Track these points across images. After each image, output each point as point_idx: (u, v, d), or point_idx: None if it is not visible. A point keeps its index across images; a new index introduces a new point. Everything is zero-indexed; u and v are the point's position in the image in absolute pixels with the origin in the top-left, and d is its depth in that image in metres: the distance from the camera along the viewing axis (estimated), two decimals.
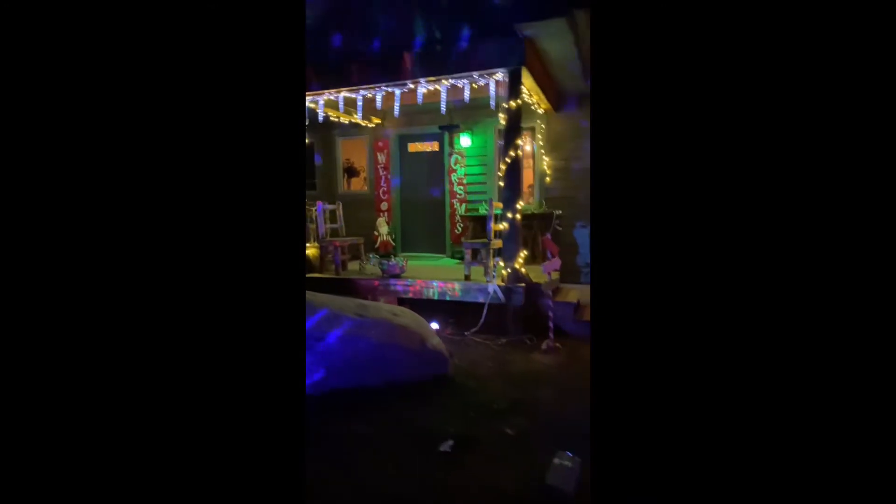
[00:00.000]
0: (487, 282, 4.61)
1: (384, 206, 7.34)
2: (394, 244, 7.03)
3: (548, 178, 6.44)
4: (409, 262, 5.50)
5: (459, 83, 4.66)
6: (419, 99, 4.90)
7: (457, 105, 5.75)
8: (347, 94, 5.10)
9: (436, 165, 7.08)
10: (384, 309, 3.49)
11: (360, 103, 5.11)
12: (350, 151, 7.67)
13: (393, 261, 4.91)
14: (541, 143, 6.39)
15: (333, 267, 5.32)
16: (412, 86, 4.79)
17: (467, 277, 4.80)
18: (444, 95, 4.79)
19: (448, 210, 6.96)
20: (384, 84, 4.81)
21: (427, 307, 4.64)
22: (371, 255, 5.13)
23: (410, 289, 4.85)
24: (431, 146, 7.13)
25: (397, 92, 4.88)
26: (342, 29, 4.86)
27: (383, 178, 7.29)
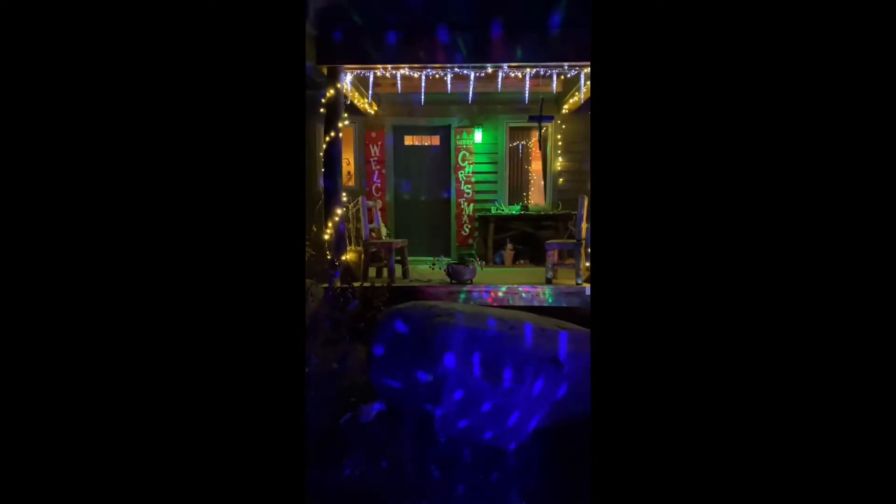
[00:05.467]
0: (579, 284, 4.39)
1: (378, 203, 6.57)
2: None
3: (561, 180, 6.45)
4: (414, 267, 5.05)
5: (547, 73, 4.36)
6: (498, 86, 4.47)
7: (465, 98, 5.41)
8: (407, 73, 4.41)
9: (438, 162, 6.60)
10: (549, 319, 3.07)
11: (423, 84, 4.46)
12: None
13: (469, 265, 4.38)
14: (559, 142, 6.37)
15: (385, 273, 4.56)
16: (491, 70, 4.34)
17: (550, 281, 4.52)
18: (527, 84, 4.45)
19: (454, 210, 6.53)
20: (458, 65, 4.26)
21: None
22: (440, 258, 4.50)
23: (489, 296, 4.38)
24: (431, 140, 6.61)
25: (472, 75, 4.38)
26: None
27: (376, 172, 6.54)
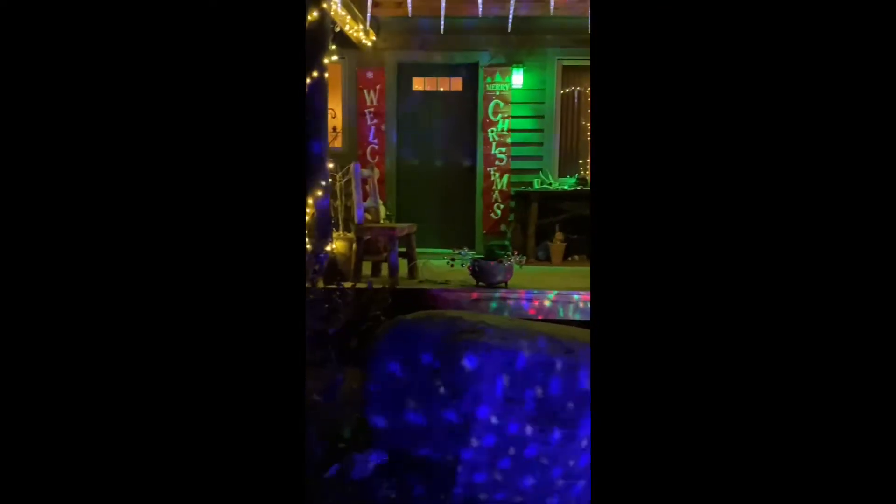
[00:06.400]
0: None
1: (375, 173, 6.61)
2: None
3: None
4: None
5: None
6: (550, 8, 4.44)
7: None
8: None
9: (460, 114, 6.67)
10: None
11: (443, 4, 4.46)
12: None
13: (502, 262, 4.39)
14: None
15: (385, 270, 4.60)
16: None
17: None
18: (591, 5, 4.40)
19: (480, 184, 6.58)
20: None
21: None
22: (461, 252, 4.52)
23: (531, 306, 4.39)
24: (451, 84, 6.64)
25: None
26: None
27: (373, 129, 6.59)
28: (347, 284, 4.13)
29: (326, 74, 4.43)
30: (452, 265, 4.59)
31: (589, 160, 6.63)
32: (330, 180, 4.68)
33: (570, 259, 6.09)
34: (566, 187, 6.21)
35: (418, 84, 6.66)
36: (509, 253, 4.61)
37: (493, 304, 4.41)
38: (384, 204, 6.46)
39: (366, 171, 5.00)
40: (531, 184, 6.34)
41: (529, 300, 4.41)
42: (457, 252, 4.54)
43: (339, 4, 4.75)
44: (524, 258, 4.81)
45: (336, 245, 4.67)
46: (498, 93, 6.46)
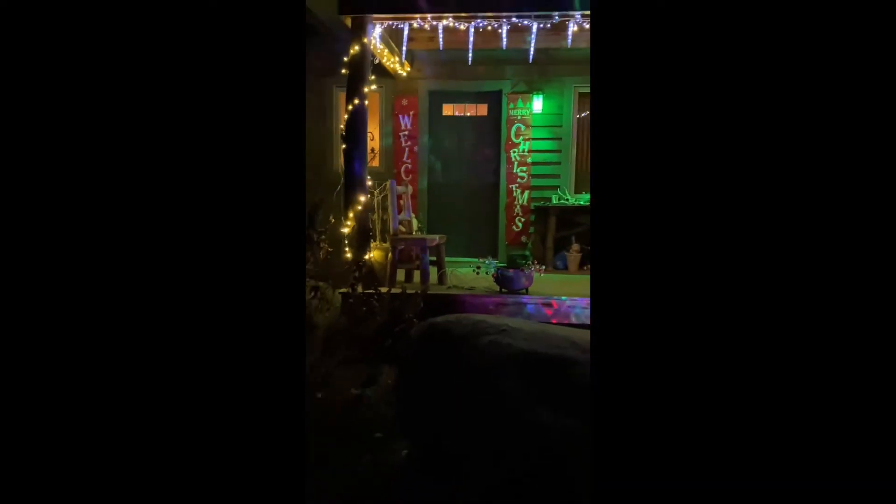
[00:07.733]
0: None
1: (408, 189, 6.64)
2: None
3: None
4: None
5: None
6: (568, 41, 4.45)
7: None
8: (452, 24, 4.44)
9: (484, 137, 6.79)
10: None
11: (471, 38, 4.48)
12: None
13: (523, 270, 4.38)
14: None
15: (416, 277, 4.63)
16: (559, 20, 4.30)
17: None
18: None
19: (503, 199, 6.64)
20: (517, 14, 4.25)
21: None
22: (486, 261, 4.52)
23: (549, 311, 4.37)
24: (477, 110, 6.66)
25: (534, 27, 4.36)
26: None
27: (407, 150, 6.66)
28: (383, 289, 4.14)
29: (367, 102, 4.48)
30: (478, 273, 4.62)
31: None
32: (369, 196, 4.72)
33: (585, 268, 6.12)
34: (582, 202, 6.32)
35: (448, 109, 6.95)
36: (530, 262, 4.63)
37: (515, 309, 4.41)
38: (416, 217, 6.52)
39: (401, 188, 5.07)
40: (550, 199, 6.53)
41: (548, 305, 4.40)
42: (482, 261, 4.60)
43: (379, 40, 4.83)
44: (543, 267, 4.80)
45: (374, 254, 4.75)
46: (520, 117, 6.63)
